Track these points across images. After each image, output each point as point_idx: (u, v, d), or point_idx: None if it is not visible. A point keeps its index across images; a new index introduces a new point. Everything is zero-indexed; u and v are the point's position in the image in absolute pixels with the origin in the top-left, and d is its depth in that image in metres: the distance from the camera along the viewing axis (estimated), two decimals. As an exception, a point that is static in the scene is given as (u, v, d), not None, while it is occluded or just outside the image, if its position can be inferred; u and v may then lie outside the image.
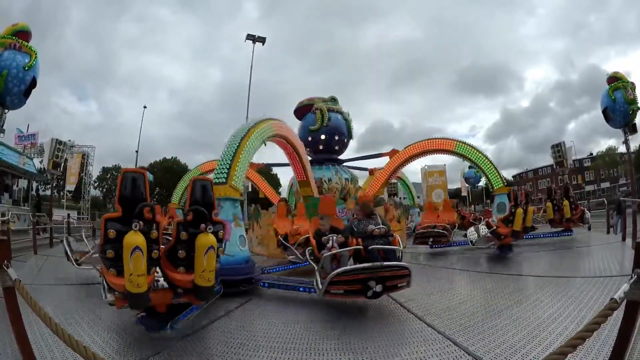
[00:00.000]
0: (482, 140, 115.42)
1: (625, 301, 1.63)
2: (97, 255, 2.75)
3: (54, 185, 24.23)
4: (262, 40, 25.07)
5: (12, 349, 2.44)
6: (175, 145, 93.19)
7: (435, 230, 8.08)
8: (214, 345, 2.83)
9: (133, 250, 2.22)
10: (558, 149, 18.55)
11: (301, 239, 6.51)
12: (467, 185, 38.49)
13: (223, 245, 3.03)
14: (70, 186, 29.49)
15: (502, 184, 9.32)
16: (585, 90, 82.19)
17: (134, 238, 2.25)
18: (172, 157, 50.23)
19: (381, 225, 4.05)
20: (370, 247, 3.73)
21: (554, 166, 20.46)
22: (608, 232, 9.00)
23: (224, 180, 5.11)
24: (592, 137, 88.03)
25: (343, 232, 4.20)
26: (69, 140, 24.49)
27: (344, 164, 13.48)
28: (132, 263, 2.22)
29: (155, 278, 2.58)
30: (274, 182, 36.32)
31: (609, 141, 58.15)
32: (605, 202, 11.08)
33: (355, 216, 4.65)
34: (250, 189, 23.30)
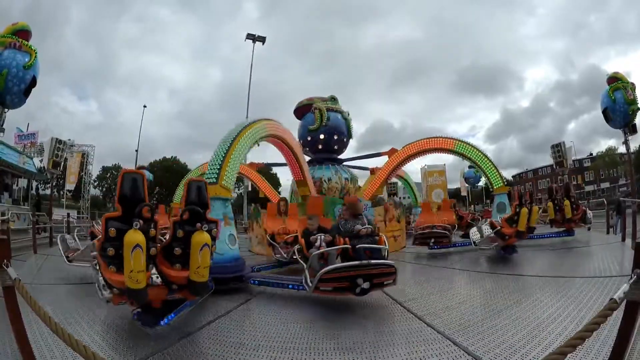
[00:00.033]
0: (482, 140, 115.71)
1: (624, 301, 1.63)
2: (92, 253, 2.79)
3: (54, 184, 24.23)
4: (262, 39, 25.10)
5: (11, 348, 2.43)
6: (175, 144, 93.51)
7: (437, 230, 7.87)
8: (214, 345, 2.83)
9: (134, 248, 2.31)
10: (558, 149, 18.57)
11: (286, 237, 6.72)
12: (466, 185, 38.47)
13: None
14: (70, 185, 29.46)
15: (502, 184, 9.22)
16: (585, 90, 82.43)
17: (135, 236, 2.35)
18: (172, 157, 50.29)
19: (367, 225, 4.22)
20: (357, 246, 3.87)
21: (554, 166, 20.49)
22: (608, 233, 9.01)
23: (215, 180, 5.22)
24: (592, 137, 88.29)
25: (330, 232, 4.33)
26: (69, 140, 24.46)
27: (344, 163, 13.48)
28: (132, 260, 2.31)
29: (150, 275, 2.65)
30: (274, 182, 36.33)
31: (609, 141, 58.31)
32: (605, 202, 11.08)
33: (342, 216, 4.81)
34: (250, 189, 23.35)
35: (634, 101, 14.25)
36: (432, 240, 7.80)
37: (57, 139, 16.36)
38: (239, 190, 38.58)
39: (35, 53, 11.48)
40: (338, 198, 10.73)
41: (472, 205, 40.66)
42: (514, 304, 3.61)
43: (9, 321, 2.12)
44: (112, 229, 2.45)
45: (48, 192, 29.63)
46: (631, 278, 1.63)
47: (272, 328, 3.24)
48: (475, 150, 9.76)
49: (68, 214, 16.74)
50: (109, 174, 49.68)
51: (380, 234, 4.28)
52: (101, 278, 2.74)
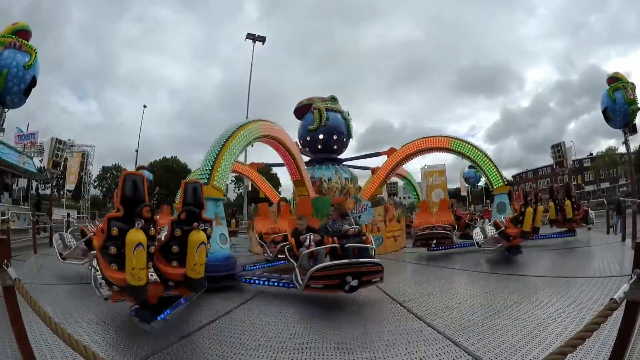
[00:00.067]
0: (482, 140, 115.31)
1: (625, 301, 1.63)
2: (92, 252, 2.84)
3: (54, 184, 24.22)
4: (262, 39, 25.11)
5: (11, 348, 2.43)
6: (175, 144, 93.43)
7: (439, 231, 7.62)
8: (214, 345, 2.83)
9: (136, 247, 2.42)
10: (558, 149, 18.56)
11: (273, 237, 6.98)
12: (466, 185, 38.47)
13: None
14: (70, 185, 29.49)
15: (502, 183, 8.94)
16: (585, 90, 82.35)
17: (137, 235, 2.46)
18: (172, 157, 50.31)
19: (355, 226, 4.39)
20: (346, 245, 4.01)
21: (554, 166, 20.46)
22: (608, 233, 9.00)
23: (206, 181, 5.35)
24: (592, 137, 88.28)
25: (319, 232, 4.46)
26: (69, 140, 24.48)
27: (344, 163, 13.48)
28: (134, 258, 2.42)
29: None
30: (274, 182, 36.33)
31: (609, 141, 58.32)
32: (605, 202, 11.07)
33: (330, 217, 4.93)
34: (250, 189, 23.36)
35: (634, 101, 14.23)
36: (434, 241, 7.55)
37: (57, 139, 16.33)
38: (239, 190, 38.64)
39: (35, 53, 11.46)
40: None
41: (472, 206, 40.66)
42: (514, 304, 3.61)
43: (9, 321, 2.12)
44: (115, 228, 2.55)
45: (48, 192, 29.62)
46: (631, 278, 1.63)
47: (272, 328, 3.24)
48: (473, 148, 9.46)
49: (68, 214, 16.75)
50: (109, 174, 49.69)
51: (366, 234, 4.41)
52: (100, 276, 2.82)
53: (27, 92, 11.55)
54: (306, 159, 13.25)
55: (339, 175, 12.15)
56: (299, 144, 13.07)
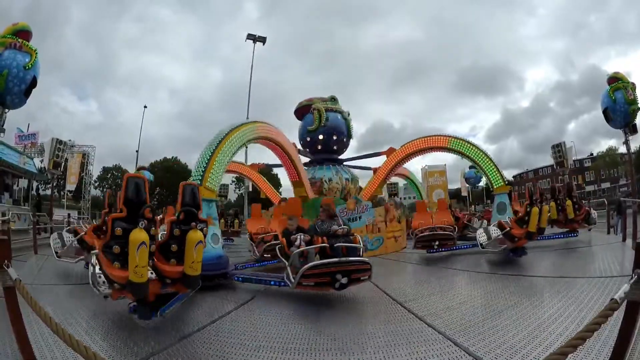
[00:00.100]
0: (482, 141, 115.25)
1: (625, 301, 1.63)
2: (93, 251, 3.00)
3: (55, 185, 24.25)
4: (263, 40, 25.14)
5: (12, 348, 2.43)
6: (176, 145, 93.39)
7: (441, 232, 7.41)
8: (214, 345, 2.83)
9: (139, 245, 2.53)
10: (558, 149, 18.57)
11: (259, 236, 7.21)
12: (467, 185, 38.47)
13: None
14: (70, 186, 29.47)
15: (502, 183, 8.79)
16: (585, 90, 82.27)
17: (140, 235, 2.57)
18: (172, 157, 50.33)
19: (343, 226, 4.59)
20: (335, 245, 4.19)
21: (555, 166, 20.48)
22: (608, 233, 8.97)
23: (199, 182, 5.46)
24: (592, 137, 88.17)
25: (308, 232, 4.62)
26: (70, 140, 24.48)
27: (345, 163, 13.48)
28: (138, 256, 2.53)
29: None
30: (275, 183, 36.36)
31: (610, 141, 58.17)
32: (606, 202, 11.03)
33: (319, 217, 5.12)
34: (251, 189, 23.38)
35: (635, 101, 14.23)
36: (437, 242, 7.32)
37: (57, 139, 16.36)
38: (239, 190, 38.64)
39: (36, 53, 11.48)
40: (339, 198, 10.75)
41: (473, 206, 40.65)
42: (515, 304, 3.61)
43: (9, 321, 2.12)
44: (118, 228, 2.69)
45: (48, 192, 29.64)
46: (632, 278, 1.63)
47: (272, 328, 3.24)
48: (473, 147, 9.34)
49: (69, 215, 16.78)
50: (109, 175, 49.71)
51: (354, 234, 4.60)
52: (100, 275, 2.89)
53: (27, 93, 11.57)
54: (306, 159, 13.28)
55: (339, 176, 12.15)
56: (300, 145, 13.10)
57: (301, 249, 4.18)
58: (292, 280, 3.94)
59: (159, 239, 3.05)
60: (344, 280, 3.81)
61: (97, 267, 2.88)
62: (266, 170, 18.54)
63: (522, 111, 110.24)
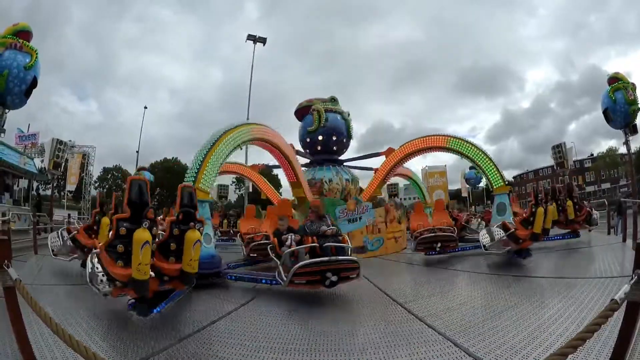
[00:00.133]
0: (483, 141, 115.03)
1: (625, 302, 1.63)
2: (95, 250, 3.22)
3: (55, 185, 24.27)
4: (263, 40, 25.14)
5: (12, 348, 2.43)
6: (176, 145, 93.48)
7: (443, 233, 7.19)
8: (215, 345, 2.82)
9: (143, 244, 2.68)
10: (559, 150, 18.60)
11: (248, 237, 7.47)
12: (467, 186, 38.49)
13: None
14: (70, 186, 29.51)
15: (502, 183, 8.54)
16: (585, 91, 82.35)
17: (144, 234, 2.71)
18: (172, 158, 50.38)
19: (332, 226, 4.77)
20: (324, 245, 4.34)
21: (555, 167, 20.50)
22: (609, 233, 8.96)
23: (192, 183, 5.59)
24: (592, 138, 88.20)
25: (299, 232, 4.76)
26: (70, 140, 24.51)
27: (345, 164, 13.47)
28: (142, 254, 2.68)
29: None
30: (275, 183, 36.37)
31: (610, 142, 58.17)
32: (606, 203, 11.02)
33: (308, 218, 5.24)
34: (251, 190, 23.37)
35: (635, 101, 14.25)
36: (439, 244, 7.05)
37: (57, 139, 16.40)
38: (239, 191, 38.64)
39: (36, 54, 11.50)
40: (339, 199, 10.75)
41: (473, 207, 40.64)
42: (515, 305, 3.61)
43: (9, 322, 2.12)
44: (123, 228, 2.82)
45: (49, 192, 29.65)
46: (632, 279, 1.63)
47: (272, 329, 3.24)
48: (472, 147, 9.14)
49: (69, 215, 16.79)
50: (109, 175, 49.72)
51: (342, 234, 4.83)
52: (101, 273, 3.00)
53: (27, 93, 11.60)
54: (306, 160, 13.28)
55: (339, 177, 12.15)
56: (300, 146, 13.11)
57: (292, 248, 4.32)
58: (284, 278, 4.10)
59: (157, 239, 3.15)
60: (334, 278, 3.98)
61: (98, 266, 2.99)
62: (266, 171, 18.55)
63: (522, 112, 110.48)
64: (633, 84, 14.54)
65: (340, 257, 4.17)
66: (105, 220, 5.65)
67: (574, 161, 33.69)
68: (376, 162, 14.47)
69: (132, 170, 36.17)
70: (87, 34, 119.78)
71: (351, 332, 3.05)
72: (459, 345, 2.62)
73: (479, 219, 13.89)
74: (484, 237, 6.49)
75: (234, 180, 37.44)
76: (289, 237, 4.59)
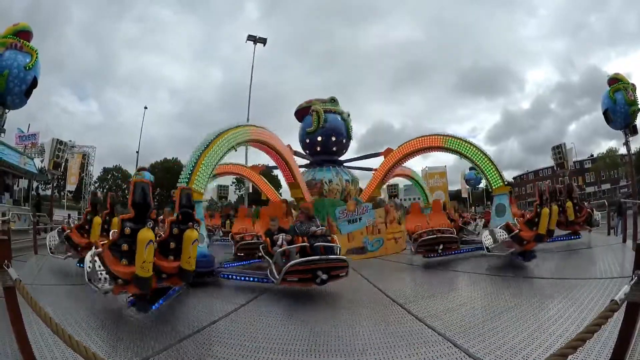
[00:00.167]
0: (483, 142, 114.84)
1: (625, 303, 1.63)
2: (97, 250, 3.31)
3: (55, 185, 24.27)
4: (263, 41, 25.14)
5: (12, 348, 2.43)
6: (176, 145, 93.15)
7: (445, 235, 6.92)
8: (214, 346, 2.83)
9: (147, 243, 2.82)
10: (559, 151, 18.63)
11: (237, 236, 7.67)
12: (467, 186, 38.49)
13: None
14: (70, 186, 29.51)
15: (501, 183, 8.28)
16: (585, 91, 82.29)
17: (148, 234, 2.85)
18: (173, 158, 50.27)
19: (321, 227, 5.00)
20: (315, 244, 4.51)
21: (555, 168, 20.52)
22: (609, 234, 8.96)
23: (186, 184, 5.75)
24: (592, 138, 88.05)
25: (289, 232, 4.94)
26: (70, 141, 24.52)
27: (346, 164, 13.46)
28: (146, 253, 2.81)
29: None
30: (276, 184, 36.37)
31: (610, 143, 58.15)
32: (606, 203, 11.01)
33: (297, 219, 5.45)
34: (251, 190, 23.37)
35: (635, 102, 14.25)
36: (441, 246, 6.79)
37: (58, 139, 16.41)
38: (239, 192, 38.62)
39: (36, 54, 11.50)
40: (339, 200, 10.74)
41: (473, 207, 40.63)
42: (515, 305, 3.61)
43: (9, 322, 2.12)
44: (127, 228, 2.96)
45: (49, 192, 29.68)
46: (632, 279, 1.63)
47: (272, 330, 3.24)
48: (470, 146, 8.93)
49: (69, 215, 16.78)
50: (109, 175, 49.72)
51: (331, 234, 5.01)
52: (104, 272, 3.14)
53: (28, 93, 11.60)
54: (304, 161, 13.28)
55: (339, 177, 12.13)
56: (300, 146, 13.10)
57: (283, 248, 4.49)
58: (277, 277, 4.27)
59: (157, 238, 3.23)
60: (325, 277, 4.18)
61: (99, 265, 3.13)
62: (267, 172, 18.56)
63: (522, 112, 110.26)
64: (633, 85, 14.54)
65: (331, 256, 4.36)
66: (97, 219, 5.72)
67: (574, 162, 33.68)
68: (376, 163, 14.44)
69: (132, 170, 36.23)
70: (87, 34, 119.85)
71: (351, 333, 3.05)
72: (459, 346, 2.62)
73: (482, 220, 13.86)
74: (486, 239, 6.29)
75: (234, 180, 37.44)
76: (280, 237, 4.77)
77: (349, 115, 13.10)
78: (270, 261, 4.66)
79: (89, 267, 3.36)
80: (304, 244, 4.53)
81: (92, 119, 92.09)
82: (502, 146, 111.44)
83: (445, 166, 31.96)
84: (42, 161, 19.48)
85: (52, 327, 1.79)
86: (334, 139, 12.54)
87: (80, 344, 1.68)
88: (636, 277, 1.61)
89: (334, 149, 12.83)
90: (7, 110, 12.03)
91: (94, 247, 3.43)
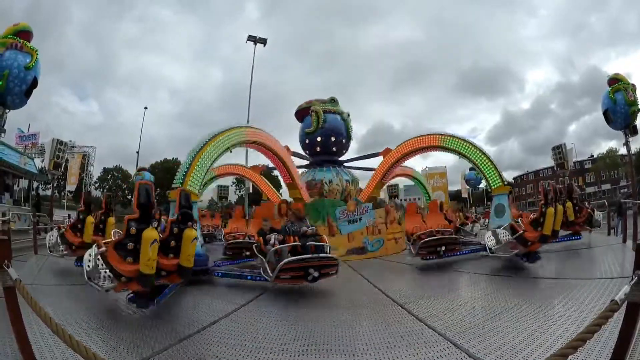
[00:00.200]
0: (483, 142, 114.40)
1: (625, 303, 1.63)
2: (100, 249, 3.41)
3: (55, 185, 24.26)
4: (264, 41, 25.12)
5: (12, 348, 2.43)
6: (176, 145, 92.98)
7: (447, 236, 6.75)
8: (214, 346, 2.83)
9: (152, 242, 2.96)
10: (559, 151, 18.62)
11: (228, 236, 7.90)
12: (467, 187, 38.46)
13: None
14: (70, 186, 29.54)
15: (501, 183, 8.21)
16: (586, 91, 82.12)
17: (152, 233, 3.00)
18: (173, 158, 50.20)
19: (312, 227, 5.23)
20: (307, 244, 4.69)
21: (555, 168, 20.50)
22: (609, 234, 8.96)
23: (180, 184, 5.89)
24: (592, 138, 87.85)
25: (281, 232, 5.12)
26: (70, 141, 24.55)
27: (346, 165, 13.45)
28: (150, 251, 2.96)
29: None
30: (276, 184, 36.40)
31: (610, 143, 58.04)
32: (606, 203, 11.01)
33: (288, 219, 5.65)
34: (251, 190, 23.38)
35: (635, 102, 14.22)
36: (443, 248, 6.57)
37: (58, 140, 16.39)
38: (240, 192, 38.64)
39: (37, 54, 11.49)
40: (339, 200, 10.73)
41: (474, 207, 40.61)
42: (515, 306, 3.61)
43: (9, 322, 2.12)
44: (133, 227, 3.09)
45: (49, 193, 29.66)
46: (632, 279, 1.63)
47: (273, 330, 3.25)
48: (469, 146, 8.84)
49: (69, 215, 16.78)
50: (109, 176, 49.70)
51: (320, 234, 5.21)
52: (107, 270, 3.26)
53: (28, 93, 11.58)
54: (303, 162, 13.28)
55: (339, 178, 12.13)
56: (300, 147, 13.10)
57: (276, 247, 4.65)
58: (271, 274, 4.46)
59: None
60: (316, 274, 4.38)
61: (101, 263, 3.25)
62: (267, 172, 18.57)
63: (522, 113, 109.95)
64: (633, 85, 14.52)
65: (322, 255, 4.56)
66: (90, 219, 5.76)
67: (574, 162, 33.68)
68: (377, 163, 14.42)
69: (132, 170, 36.24)
70: (87, 34, 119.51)
71: (351, 333, 3.05)
72: (459, 346, 2.62)
73: (475, 222, 13.85)
74: (489, 240, 6.15)
75: (234, 181, 37.46)
76: (273, 236, 4.92)
77: (348, 115, 13.09)
78: (264, 260, 4.81)
79: (89, 266, 3.45)
80: (296, 243, 4.69)
81: (92, 119, 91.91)
82: (502, 146, 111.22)
83: (445, 166, 31.94)
84: (42, 161, 19.48)
85: (52, 327, 1.79)
86: (333, 139, 12.53)
87: (81, 344, 1.68)
88: (636, 277, 1.61)
89: (334, 149, 12.82)
90: (7, 110, 12.02)
91: (95, 247, 3.46)
